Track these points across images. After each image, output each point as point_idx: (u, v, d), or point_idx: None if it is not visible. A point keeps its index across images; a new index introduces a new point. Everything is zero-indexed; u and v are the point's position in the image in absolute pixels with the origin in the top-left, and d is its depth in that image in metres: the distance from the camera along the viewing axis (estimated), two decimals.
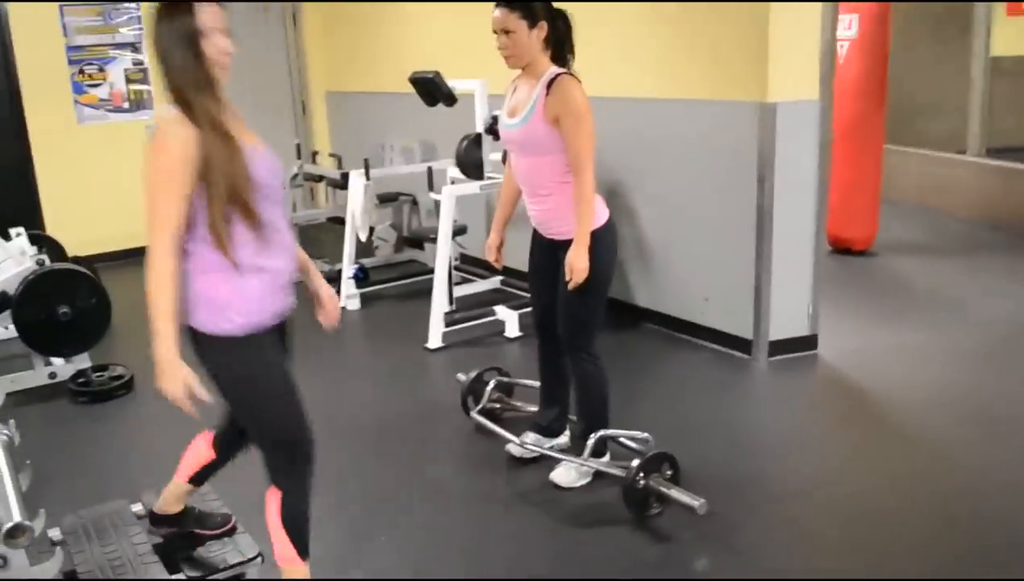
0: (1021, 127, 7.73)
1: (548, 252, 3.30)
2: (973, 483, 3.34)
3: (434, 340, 5.06)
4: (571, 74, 3.12)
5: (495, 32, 3.13)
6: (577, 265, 3.07)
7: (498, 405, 3.99)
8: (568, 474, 3.39)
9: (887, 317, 5.31)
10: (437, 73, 5.20)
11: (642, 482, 3.08)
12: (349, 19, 8.01)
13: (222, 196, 2.11)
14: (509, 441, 3.60)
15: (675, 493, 3.05)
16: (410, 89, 5.36)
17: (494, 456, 3.65)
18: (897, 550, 2.92)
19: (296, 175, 6.82)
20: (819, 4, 4.34)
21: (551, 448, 3.53)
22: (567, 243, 3.12)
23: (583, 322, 3.27)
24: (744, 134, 4.46)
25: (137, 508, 2.99)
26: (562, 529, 3.16)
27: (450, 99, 5.25)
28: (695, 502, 2.97)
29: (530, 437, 3.59)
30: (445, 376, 4.55)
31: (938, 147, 8.24)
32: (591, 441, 3.32)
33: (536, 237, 3.38)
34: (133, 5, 7.25)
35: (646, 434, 3.37)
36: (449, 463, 3.73)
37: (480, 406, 3.90)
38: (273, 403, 2.33)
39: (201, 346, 2.27)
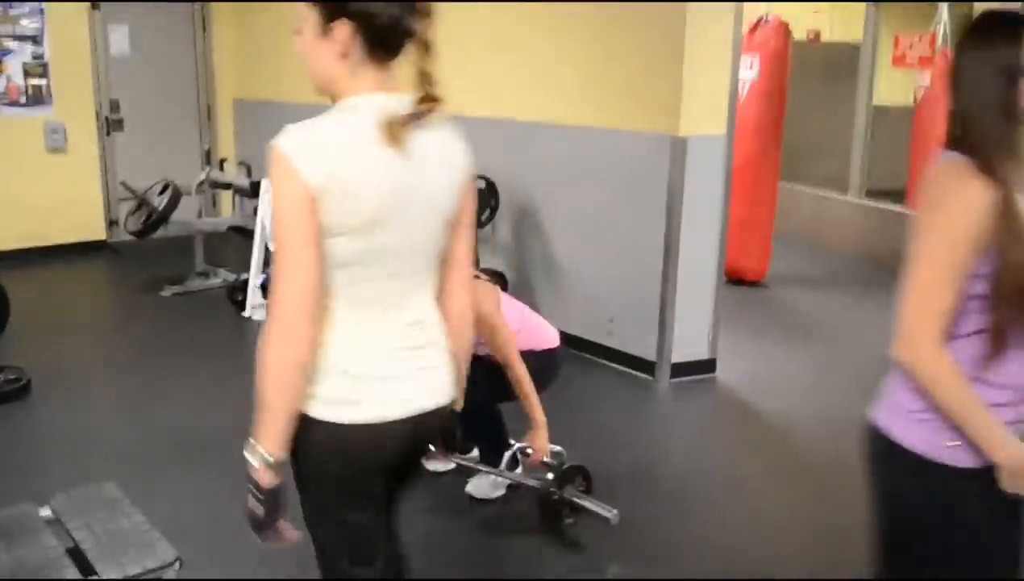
0: (899, 172, 8.25)
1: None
2: (852, 498, 3.58)
3: None
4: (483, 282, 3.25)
5: None
6: (541, 448, 3.24)
7: None
8: (483, 486, 3.47)
9: (778, 345, 5.60)
10: None
11: (557, 493, 3.19)
12: (262, 27, 7.94)
13: (1006, 290, 1.66)
14: None
15: (589, 504, 3.17)
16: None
17: None
18: (788, 554, 3.16)
19: (203, 182, 6.71)
20: (730, 42, 4.60)
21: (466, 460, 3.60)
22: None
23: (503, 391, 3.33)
24: (656, 164, 4.67)
25: (45, 513, 2.91)
26: (479, 538, 3.23)
27: None
28: (608, 513, 3.10)
29: None
30: None
31: (825, 186, 8.73)
32: (507, 455, 3.41)
33: None
34: None
35: (559, 447, 3.48)
36: None
37: None
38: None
39: (891, 464, 1.89)
